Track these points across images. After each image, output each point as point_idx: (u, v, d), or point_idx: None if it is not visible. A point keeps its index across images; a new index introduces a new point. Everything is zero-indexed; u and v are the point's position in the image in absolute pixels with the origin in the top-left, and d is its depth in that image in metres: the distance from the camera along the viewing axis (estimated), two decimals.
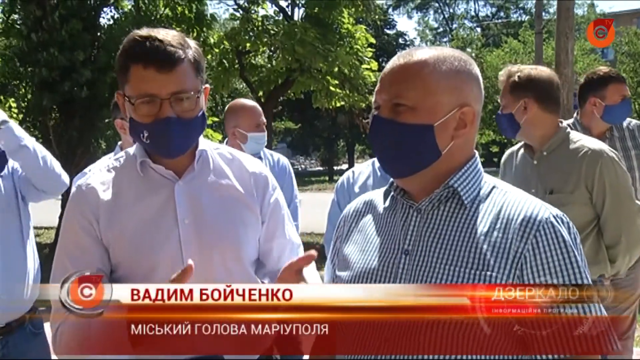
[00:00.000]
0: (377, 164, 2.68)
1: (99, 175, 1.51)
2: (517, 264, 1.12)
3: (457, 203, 1.21)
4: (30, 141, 2.26)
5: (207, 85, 1.51)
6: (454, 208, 1.21)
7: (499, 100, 2.55)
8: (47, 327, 2.56)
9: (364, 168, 2.76)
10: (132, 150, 1.54)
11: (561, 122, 2.48)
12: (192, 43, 1.44)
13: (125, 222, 1.44)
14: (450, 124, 1.19)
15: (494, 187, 1.23)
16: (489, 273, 1.12)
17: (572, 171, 2.35)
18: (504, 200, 1.20)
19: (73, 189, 1.51)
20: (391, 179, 1.32)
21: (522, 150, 2.58)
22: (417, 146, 1.19)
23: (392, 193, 1.31)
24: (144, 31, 1.39)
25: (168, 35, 1.40)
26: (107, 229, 1.43)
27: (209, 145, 1.58)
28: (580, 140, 2.42)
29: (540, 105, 2.39)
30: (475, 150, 1.28)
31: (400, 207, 1.28)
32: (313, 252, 1.29)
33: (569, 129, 2.49)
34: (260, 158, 3.11)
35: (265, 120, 3.22)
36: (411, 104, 1.17)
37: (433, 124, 1.17)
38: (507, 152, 2.73)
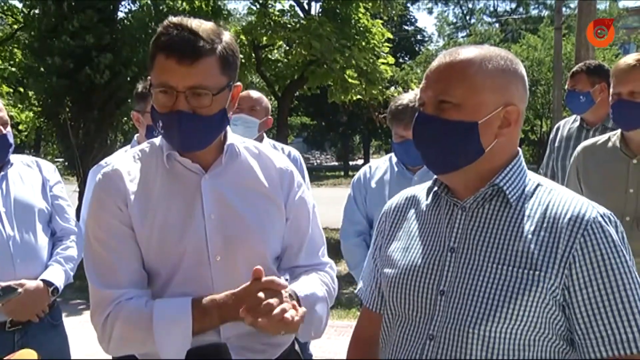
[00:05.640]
0: (394, 160, 2.66)
1: (125, 163, 1.48)
2: (565, 263, 1.12)
3: (503, 201, 1.22)
4: (64, 275, 2.38)
5: (239, 84, 1.46)
6: (499, 206, 1.22)
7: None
8: (65, 318, 2.59)
9: (381, 163, 2.74)
10: (157, 141, 1.51)
11: None
12: (226, 38, 1.38)
13: (154, 213, 1.41)
14: (495, 123, 1.19)
15: (538, 184, 1.24)
16: (537, 273, 1.13)
17: None
18: (549, 198, 1.20)
19: (98, 177, 1.47)
20: (435, 176, 1.33)
21: (608, 145, 2.45)
22: (461, 143, 1.19)
23: (435, 189, 1.31)
24: (177, 19, 1.35)
25: (200, 26, 1.34)
26: (138, 220, 1.41)
27: (237, 139, 1.55)
28: None
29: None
30: (519, 148, 1.28)
31: (444, 204, 1.29)
32: (284, 282, 1.36)
33: None
34: None
35: (268, 107, 3.00)
36: (456, 101, 1.18)
37: (477, 122, 1.18)
38: (583, 145, 2.57)
